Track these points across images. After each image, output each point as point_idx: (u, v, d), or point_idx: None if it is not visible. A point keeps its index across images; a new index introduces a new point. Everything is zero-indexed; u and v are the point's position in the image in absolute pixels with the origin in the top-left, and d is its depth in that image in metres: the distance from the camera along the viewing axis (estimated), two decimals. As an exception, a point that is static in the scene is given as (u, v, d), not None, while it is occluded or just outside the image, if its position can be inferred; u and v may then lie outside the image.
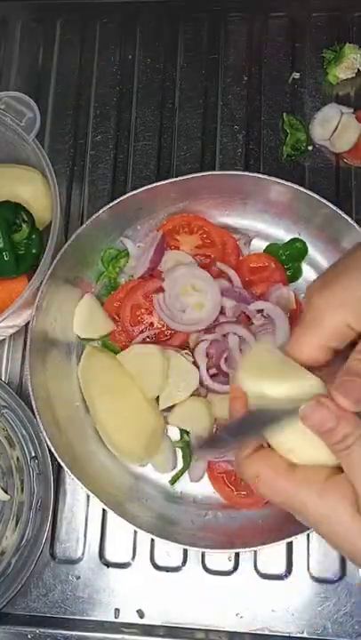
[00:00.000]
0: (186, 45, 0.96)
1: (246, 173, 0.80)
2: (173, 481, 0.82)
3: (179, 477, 0.82)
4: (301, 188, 0.78)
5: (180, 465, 0.82)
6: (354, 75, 0.92)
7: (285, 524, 0.75)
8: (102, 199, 0.91)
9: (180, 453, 0.82)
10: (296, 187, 0.78)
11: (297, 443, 0.52)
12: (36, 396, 0.76)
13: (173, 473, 0.82)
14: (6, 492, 0.83)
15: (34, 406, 0.76)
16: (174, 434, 0.82)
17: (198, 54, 0.96)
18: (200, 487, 0.81)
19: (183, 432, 0.82)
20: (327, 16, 0.95)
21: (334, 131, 0.89)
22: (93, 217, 0.79)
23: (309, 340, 0.54)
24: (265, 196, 0.82)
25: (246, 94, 0.94)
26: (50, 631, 0.79)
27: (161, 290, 0.82)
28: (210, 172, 0.81)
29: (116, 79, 0.96)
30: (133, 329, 0.82)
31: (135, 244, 0.86)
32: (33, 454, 0.78)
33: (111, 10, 0.98)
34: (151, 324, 0.83)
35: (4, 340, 0.88)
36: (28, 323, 0.82)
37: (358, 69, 0.92)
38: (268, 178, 0.79)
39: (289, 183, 0.78)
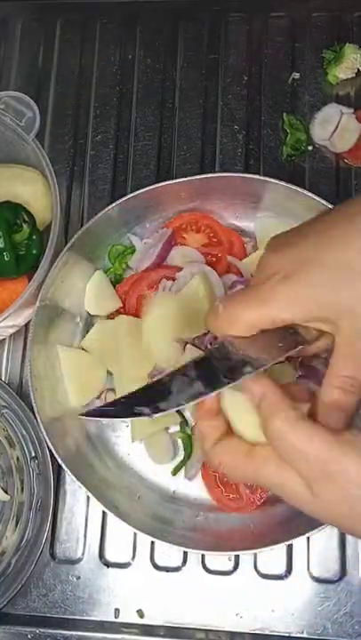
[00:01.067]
0: (186, 45, 0.96)
1: (257, 177, 0.80)
2: (175, 471, 0.81)
3: (180, 468, 0.81)
4: (323, 201, 0.77)
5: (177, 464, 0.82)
6: (354, 75, 0.92)
7: (274, 530, 0.75)
8: (102, 199, 0.91)
9: (178, 448, 0.82)
10: (316, 198, 0.77)
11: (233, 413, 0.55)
12: (36, 396, 0.76)
13: (172, 466, 0.81)
14: (6, 492, 0.83)
15: (34, 406, 0.76)
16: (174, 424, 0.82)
17: (198, 54, 0.96)
18: (195, 487, 0.81)
19: (183, 423, 0.81)
20: (327, 16, 0.95)
21: (334, 131, 0.89)
22: (103, 212, 0.79)
23: (246, 316, 0.51)
24: (276, 201, 0.81)
25: (246, 94, 0.94)
26: (50, 631, 0.79)
27: (166, 278, 0.82)
28: (225, 174, 0.82)
29: (116, 79, 0.96)
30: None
31: (142, 241, 0.86)
32: (33, 454, 0.78)
33: (111, 10, 0.98)
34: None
35: (3, 339, 0.88)
36: (28, 323, 0.82)
37: (358, 69, 0.92)
38: (285, 184, 0.78)
39: (309, 193, 0.77)
